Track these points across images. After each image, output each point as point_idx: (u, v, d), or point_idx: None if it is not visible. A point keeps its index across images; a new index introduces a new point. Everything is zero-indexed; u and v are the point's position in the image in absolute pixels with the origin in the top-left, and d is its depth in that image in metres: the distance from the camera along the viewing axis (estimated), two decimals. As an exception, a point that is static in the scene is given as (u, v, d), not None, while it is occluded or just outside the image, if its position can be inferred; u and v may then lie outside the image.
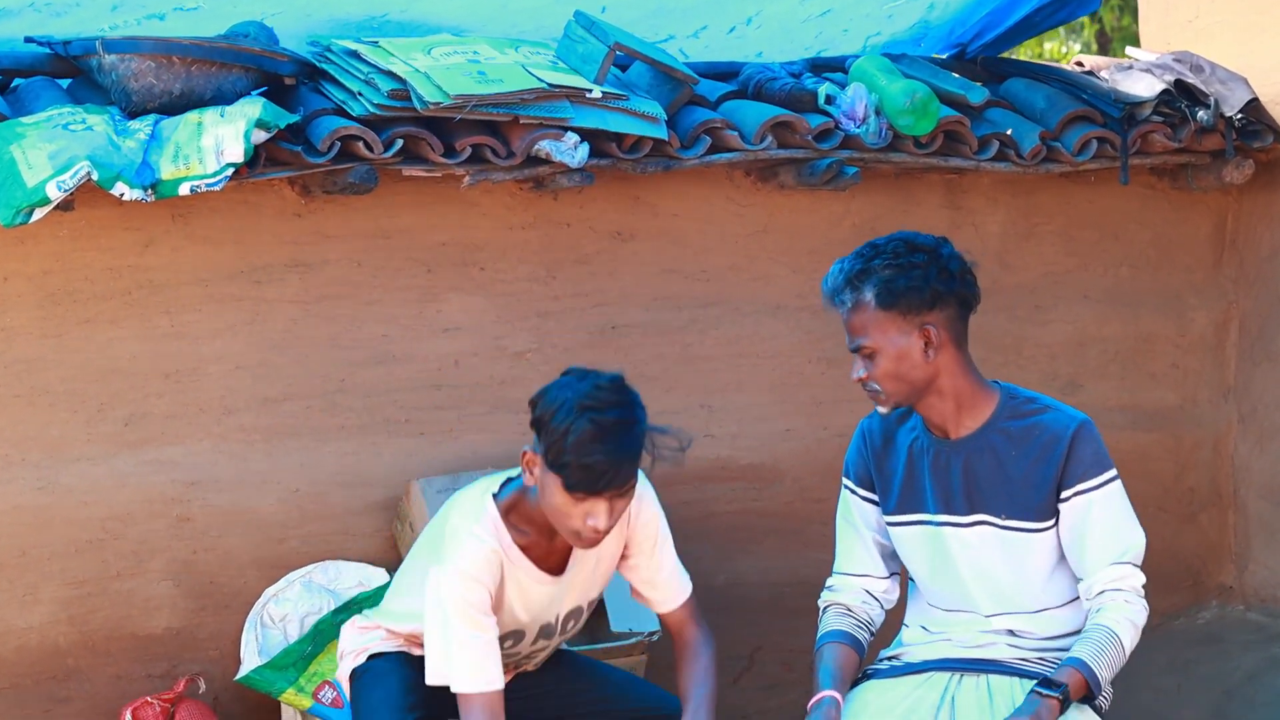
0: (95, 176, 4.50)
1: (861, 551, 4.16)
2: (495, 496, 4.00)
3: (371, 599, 4.95)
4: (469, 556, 3.91)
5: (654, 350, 5.40)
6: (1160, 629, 5.82)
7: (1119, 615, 3.91)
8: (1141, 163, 5.66)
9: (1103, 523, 3.93)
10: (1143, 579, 3.95)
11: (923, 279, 3.89)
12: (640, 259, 5.37)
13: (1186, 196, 5.90)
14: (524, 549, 3.98)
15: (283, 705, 4.94)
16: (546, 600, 4.05)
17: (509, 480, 4.02)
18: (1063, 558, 4.00)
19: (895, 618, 4.30)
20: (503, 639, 4.02)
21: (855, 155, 5.30)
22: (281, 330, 5.03)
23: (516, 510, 3.98)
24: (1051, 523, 3.96)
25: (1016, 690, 3.98)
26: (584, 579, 4.09)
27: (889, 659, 4.18)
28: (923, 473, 4.03)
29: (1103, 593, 3.93)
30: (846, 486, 4.18)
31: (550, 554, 4.01)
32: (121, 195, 4.52)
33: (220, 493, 5.00)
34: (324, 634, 4.90)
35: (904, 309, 3.89)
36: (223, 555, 5.01)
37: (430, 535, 4.08)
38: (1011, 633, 4.01)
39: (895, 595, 4.21)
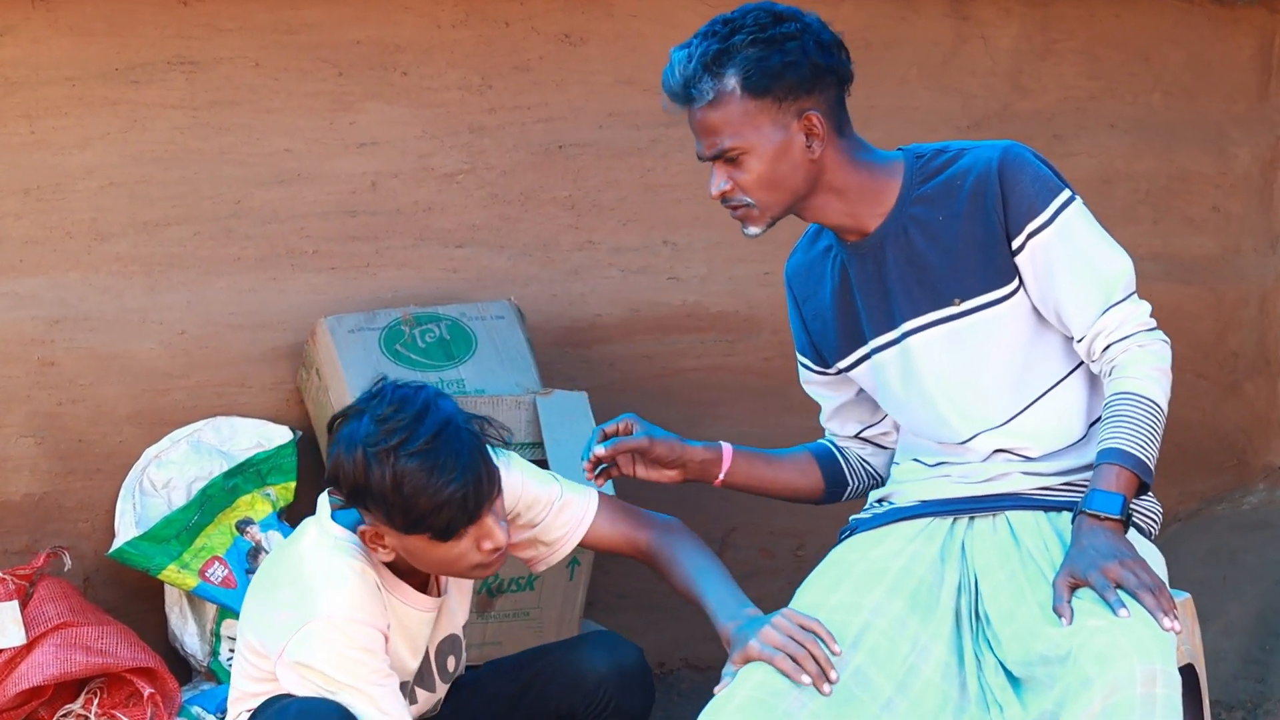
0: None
1: (836, 414, 3.71)
2: (336, 522, 3.38)
3: (270, 461, 4.57)
4: (347, 597, 3.28)
5: (608, 175, 4.97)
6: (1201, 515, 5.43)
7: (1140, 369, 3.27)
8: (1176, -32, 5.25)
9: (1072, 264, 3.31)
10: (1146, 309, 3.33)
11: (800, 53, 3.28)
12: (592, 67, 4.93)
13: (1228, 12, 5.46)
14: (396, 572, 3.39)
15: (165, 586, 4.52)
16: (426, 629, 3.48)
17: (332, 512, 3.41)
18: (1041, 322, 3.39)
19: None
20: None
21: (845, -59, 4.81)
22: (164, 141, 4.65)
23: (367, 537, 3.35)
24: (1016, 283, 3.35)
25: (1044, 525, 3.31)
26: (455, 594, 3.54)
27: (878, 501, 3.56)
28: (853, 292, 3.48)
29: (1108, 347, 3.30)
30: (799, 360, 3.71)
31: (417, 572, 3.43)
32: (-38, -42, 4.08)
33: (91, 333, 4.63)
34: (213, 501, 4.52)
35: (779, 94, 3.28)
36: (94, 408, 4.64)
37: (264, 609, 3.39)
38: (1000, 452, 3.40)
39: (894, 434, 3.67)
